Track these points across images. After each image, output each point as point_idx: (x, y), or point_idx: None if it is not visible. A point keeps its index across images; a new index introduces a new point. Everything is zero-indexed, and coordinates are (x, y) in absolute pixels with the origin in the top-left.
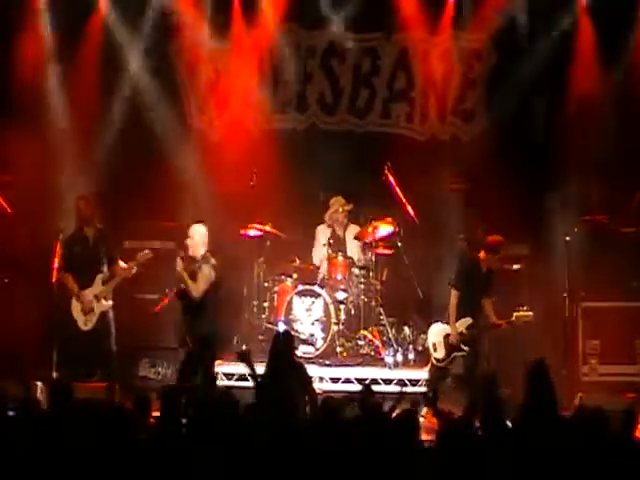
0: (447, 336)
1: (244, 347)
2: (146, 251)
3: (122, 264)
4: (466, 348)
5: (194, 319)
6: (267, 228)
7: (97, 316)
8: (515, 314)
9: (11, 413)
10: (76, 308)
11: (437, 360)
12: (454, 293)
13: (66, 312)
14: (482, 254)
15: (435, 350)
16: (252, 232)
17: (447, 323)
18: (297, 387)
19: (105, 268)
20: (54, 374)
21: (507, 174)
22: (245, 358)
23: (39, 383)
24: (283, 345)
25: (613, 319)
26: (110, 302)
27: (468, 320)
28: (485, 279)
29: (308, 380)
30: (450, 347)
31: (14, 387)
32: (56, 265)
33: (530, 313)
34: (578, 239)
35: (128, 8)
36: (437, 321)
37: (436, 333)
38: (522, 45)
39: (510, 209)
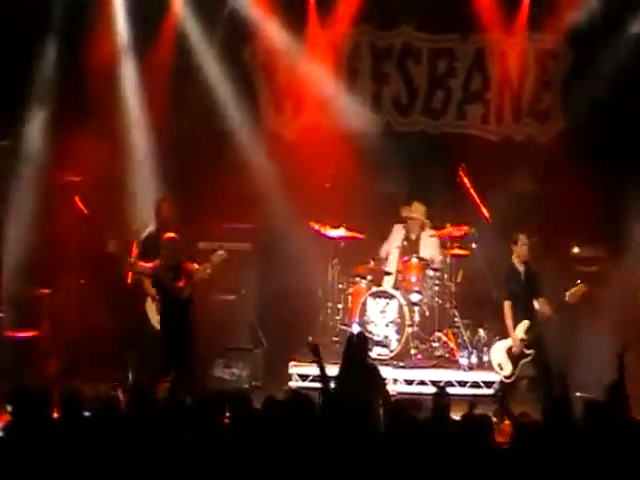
0: (509, 349)
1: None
2: (220, 252)
3: (196, 265)
4: (530, 351)
5: None
6: (342, 231)
7: None
8: (567, 293)
9: (87, 414)
10: (151, 309)
11: (506, 377)
12: (506, 304)
13: (141, 313)
14: (514, 253)
15: (502, 369)
16: (329, 233)
17: (504, 338)
18: (371, 389)
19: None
20: (130, 375)
21: (583, 175)
22: (315, 350)
23: (116, 384)
24: (357, 346)
25: None
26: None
27: (525, 323)
28: (526, 276)
29: (382, 382)
30: (515, 358)
31: (91, 388)
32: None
33: (581, 284)
34: None
35: (202, 9)
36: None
37: (498, 352)
38: (598, 44)
39: (586, 210)
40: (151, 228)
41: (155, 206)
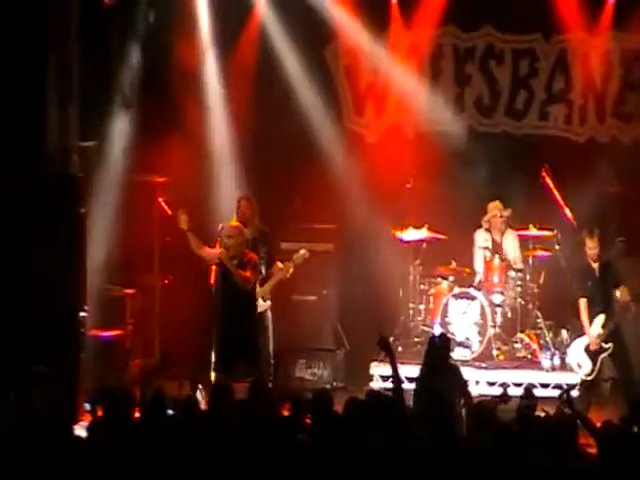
0: (587, 347)
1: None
2: (302, 251)
3: (279, 265)
4: (608, 345)
5: None
6: (424, 231)
7: None
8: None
9: (170, 412)
10: None
11: (587, 375)
12: (581, 302)
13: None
14: (584, 251)
15: (580, 367)
16: (409, 236)
17: (580, 336)
18: (454, 389)
19: (263, 269)
20: (212, 374)
21: None
22: (385, 344)
23: (199, 384)
24: (440, 347)
25: None
26: (268, 302)
27: (600, 317)
28: (601, 272)
29: (464, 383)
30: (594, 354)
31: (174, 388)
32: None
33: None
34: None
35: (285, 9)
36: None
37: (576, 351)
38: None
39: None
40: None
41: (236, 206)
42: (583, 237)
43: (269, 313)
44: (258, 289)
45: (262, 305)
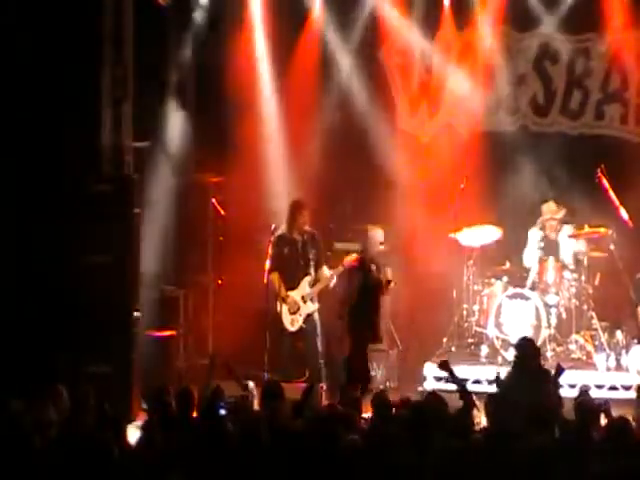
0: None
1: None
2: (353, 255)
3: (326, 270)
4: None
5: None
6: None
7: (303, 317)
8: None
9: (223, 412)
10: (283, 309)
11: None
12: (639, 310)
13: (274, 312)
14: None
15: None
16: (468, 234)
17: None
18: (550, 391)
19: (312, 270)
20: (265, 374)
21: None
22: (447, 367)
23: (251, 383)
24: (531, 349)
25: None
26: (316, 305)
27: None
28: None
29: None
30: None
31: (231, 387)
32: (267, 266)
33: None
34: None
35: (340, 10)
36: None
37: (636, 357)
38: None
39: None
40: (283, 229)
41: (294, 210)
42: None
43: (317, 315)
44: (308, 290)
45: (310, 307)
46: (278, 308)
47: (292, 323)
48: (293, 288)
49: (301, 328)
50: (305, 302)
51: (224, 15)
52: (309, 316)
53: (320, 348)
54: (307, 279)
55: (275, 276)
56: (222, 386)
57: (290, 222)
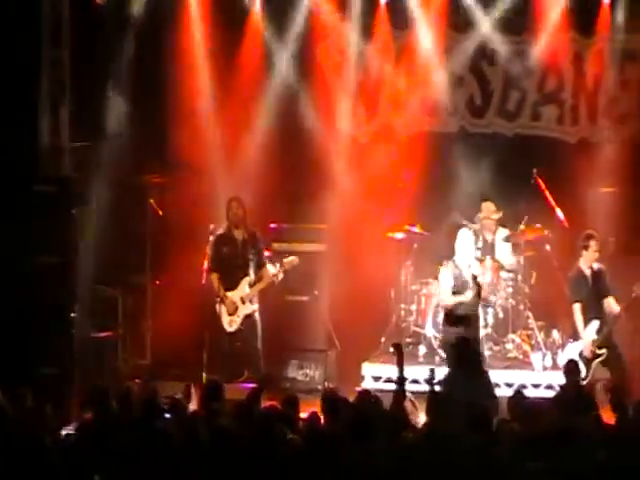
0: (581, 352)
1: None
2: (292, 258)
3: (270, 268)
4: (602, 351)
5: None
6: (416, 229)
7: (241, 318)
8: (634, 288)
9: (167, 415)
10: (222, 311)
11: (581, 380)
12: (575, 307)
13: (213, 313)
14: (580, 257)
15: None
16: (399, 235)
17: (576, 340)
18: (483, 391)
19: (252, 271)
20: (204, 375)
21: None
22: (400, 350)
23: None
24: (469, 349)
25: None
26: (255, 305)
27: (595, 323)
28: (594, 278)
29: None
30: (588, 360)
31: (168, 389)
32: (205, 267)
33: None
34: None
35: (278, 10)
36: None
37: (570, 355)
38: None
39: None
40: (223, 229)
41: (226, 206)
42: (586, 240)
43: (257, 315)
44: (247, 291)
45: (249, 308)
46: (217, 309)
47: (230, 324)
48: (232, 289)
49: (239, 329)
50: (244, 303)
51: (163, 15)
52: (248, 317)
53: (260, 348)
54: (246, 279)
55: (214, 276)
56: (161, 387)
57: (229, 220)
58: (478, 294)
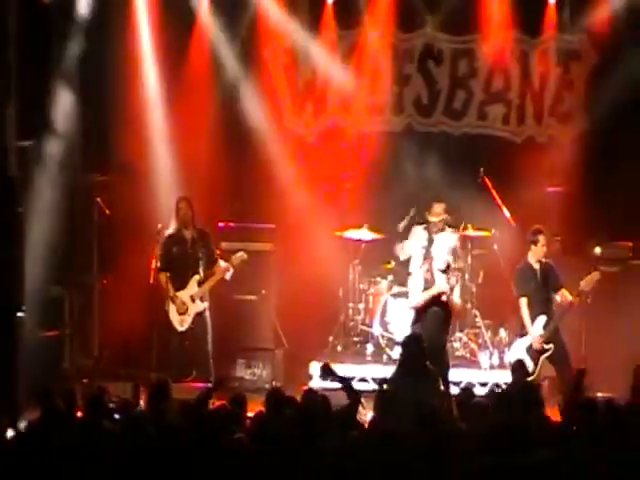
0: (529, 347)
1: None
2: (240, 253)
3: (222, 262)
4: (549, 346)
5: None
6: (364, 231)
7: (192, 317)
8: (581, 282)
9: (117, 416)
10: (172, 310)
11: (528, 375)
12: (522, 301)
13: (163, 313)
14: (529, 251)
15: None
16: (352, 235)
17: (523, 335)
18: (433, 392)
19: (202, 270)
20: (153, 375)
21: (605, 175)
22: (329, 371)
23: (139, 384)
24: (417, 348)
25: None
26: (206, 303)
27: (542, 318)
28: (542, 274)
29: (440, 385)
30: (536, 355)
31: (115, 388)
32: (153, 266)
33: (595, 272)
34: None
35: (226, 10)
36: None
37: (518, 351)
38: (622, 45)
39: (610, 211)
40: (173, 228)
41: (175, 207)
42: (535, 235)
43: (207, 314)
44: (196, 290)
45: (199, 306)
46: (167, 308)
47: (181, 323)
48: (182, 288)
49: (190, 328)
50: (194, 301)
51: (111, 14)
52: (199, 315)
53: (210, 347)
54: (195, 278)
55: (163, 276)
56: (109, 386)
57: (178, 220)
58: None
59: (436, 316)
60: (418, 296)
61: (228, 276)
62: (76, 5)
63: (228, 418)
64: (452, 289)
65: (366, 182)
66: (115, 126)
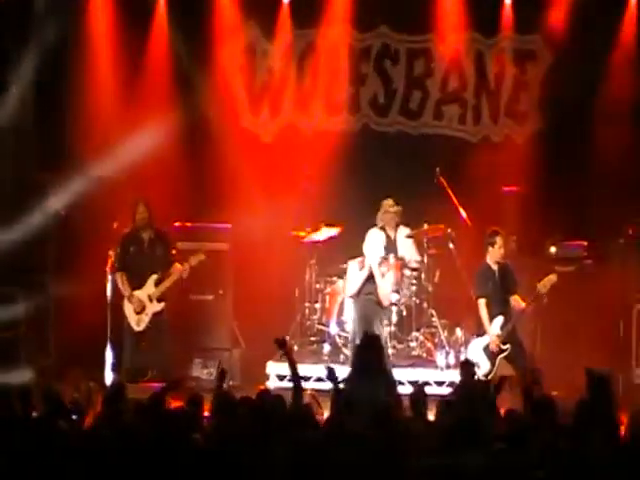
0: (486, 347)
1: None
2: (198, 253)
3: (178, 265)
4: (506, 347)
5: None
6: (324, 231)
7: (149, 317)
8: (538, 285)
9: (74, 417)
10: (128, 308)
11: (485, 375)
12: (480, 302)
13: (118, 312)
14: (487, 253)
15: (479, 368)
16: (312, 237)
17: (481, 335)
18: (384, 390)
19: (159, 269)
20: (109, 375)
21: (560, 175)
22: (284, 345)
23: (92, 384)
24: (372, 347)
25: None
26: (162, 304)
27: (499, 319)
28: (500, 275)
29: (394, 383)
30: (492, 355)
31: (71, 388)
32: (109, 265)
33: (551, 275)
34: (634, 240)
35: (183, 10)
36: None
37: (475, 351)
38: (576, 45)
39: (565, 210)
40: (129, 227)
41: (132, 209)
42: (492, 237)
43: (164, 314)
44: (153, 289)
45: (156, 306)
46: (124, 308)
47: (138, 323)
48: (139, 287)
49: (148, 328)
50: (151, 301)
51: (67, 11)
52: (156, 315)
53: (167, 348)
54: (153, 278)
55: (120, 275)
56: (65, 387)
57: (131, 220)
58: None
59: (369, 303)
60: (353, 283)
61: (185, 275)
62: (32, 1)
63: (185, 419)
64: (383, 275)
65: (323, 182)
66: (70, 124)
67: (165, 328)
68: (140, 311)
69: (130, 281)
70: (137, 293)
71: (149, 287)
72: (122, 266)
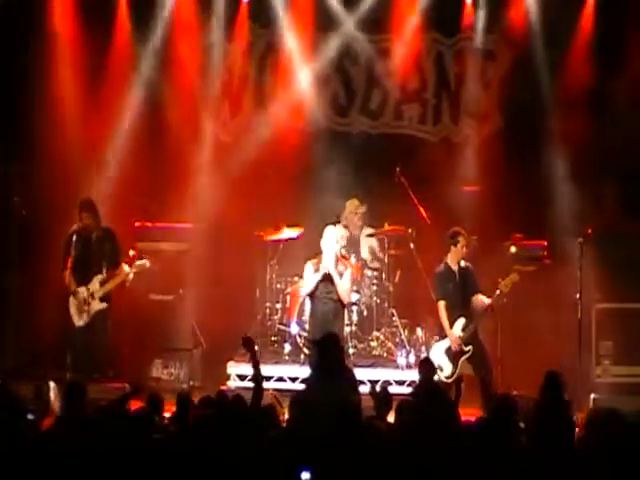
0: (448, 349)
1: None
2: (144, 260)
3: (125, 268)
4: (468, 348)
5: None
6: (285, 231)
7: (92, 313)
8: (500, 284)
9: (31, 417)
10: (72, 305)
11: (447, 378)
12: (440, 304)
13: (66, 310)
14: (448, 253)
15: (442, 370)
16: (275, 237)
17: (442, 338)
18: (347, 388)
19: (105, 269)
20: (67, 374)
21: (520, 175)
22: (251, 344)
23: (52, 384)
24: (332, 346)
25: (627, 320)
26: (105, 304)
27: (461, 320)
28: (461, 275)
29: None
30: (454, 356)
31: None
32: (63, 264)
33: (513, 274)
34: (592, 240)
35: (143, 9)
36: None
37: (437, 353)
38: (536, 45)
39: (525, 210)
40: (74, 227)
41: (77, 214)
42: (454, 237)
43: (107, 313)
44: (97, 287)
45: (100, 305)
46: (69, 304)
47: (80, 318)
48: (85, 283)
49: (88, 324)
50: (94, 298)
51: (28, 7)
52: (98, 313)
53: (108, 346)
54: (98, 277)
55: (66, 273)
56: (25, 387)
57: (81, 221)
58: None
59: (329, 302)
60: (308, 282)
61: (129, 279)
62: None
63: (145, 419)
64: (341, 275)
65: (283, 182)
66: (31, 120)
67: (107, 326)
68: (83, 307)
69: (76, 278)
70: (81, 289)
71: (93, 285)
72: (70, 264)
